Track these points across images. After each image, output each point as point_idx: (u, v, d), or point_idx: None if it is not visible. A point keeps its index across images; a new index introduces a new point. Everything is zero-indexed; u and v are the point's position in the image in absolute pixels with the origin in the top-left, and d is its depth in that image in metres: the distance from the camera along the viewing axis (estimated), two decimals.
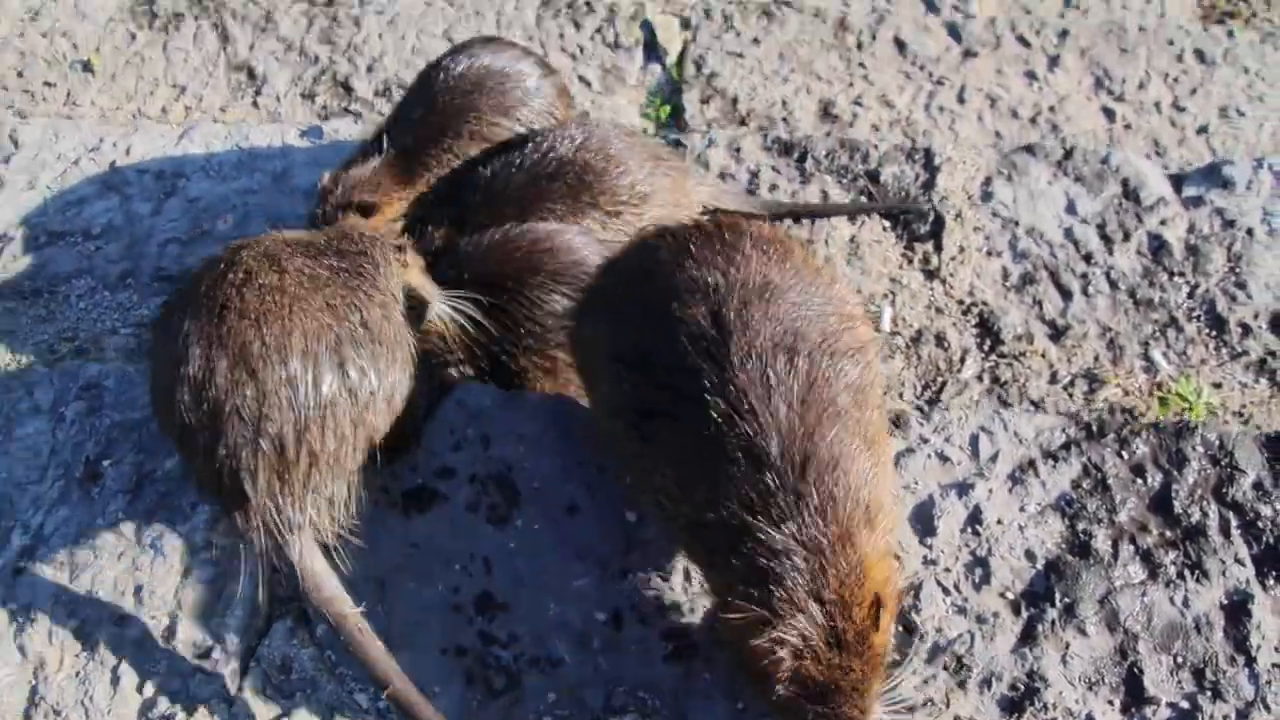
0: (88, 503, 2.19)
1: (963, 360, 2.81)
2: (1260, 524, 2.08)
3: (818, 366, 1.67)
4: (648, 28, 3.89)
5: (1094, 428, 2.19)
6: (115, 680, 2.03)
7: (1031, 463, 2.16)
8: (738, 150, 3.18)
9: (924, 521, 2.14)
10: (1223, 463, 2.16)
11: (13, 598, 2.12)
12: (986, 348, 2.83)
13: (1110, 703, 1.91)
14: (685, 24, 3.90)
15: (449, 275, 2.35)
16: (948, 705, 1.93)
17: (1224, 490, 2.12)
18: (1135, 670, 1.94)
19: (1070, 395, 2.74)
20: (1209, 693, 1.91)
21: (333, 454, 1.99)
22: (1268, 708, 1.88)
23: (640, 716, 1.94)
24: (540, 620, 2.03)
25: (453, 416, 2.23)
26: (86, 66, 3.90)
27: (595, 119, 2.91)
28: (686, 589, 2.06)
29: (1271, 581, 2.02)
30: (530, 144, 2.68)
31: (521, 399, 2.25)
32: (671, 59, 3.82)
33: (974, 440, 2.22)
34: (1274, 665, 1.93)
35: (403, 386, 2.08)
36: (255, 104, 3.78)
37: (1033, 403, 2.72)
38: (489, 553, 2.09)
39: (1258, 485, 2.12)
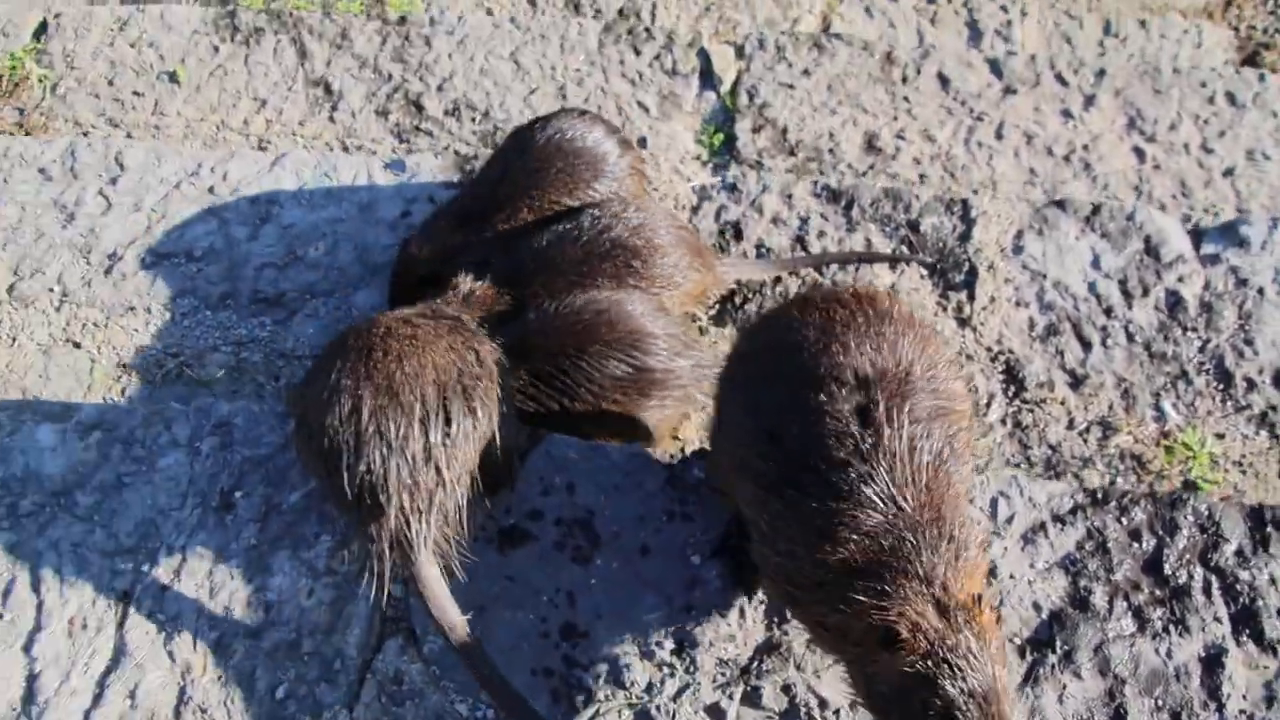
0: (222, 529, 2.61)
1: (989, 405, 3.18)
2: (1239, 587, 2.47)
3: (943, 466, 2.04)
4: (704, 56, 4.20)
5: (1099, 495, 2.58)
6: (252, 685, 2.46)
7: (1042, 525, 2.55)
8: (789, 197, 3.52)
9: None
10: (1210, 531, 2.54)
11: (161, 610, 2.55)
12: (1011, 393, 3.20)
13: None
14: (740, 53, 4.21)
15: (514, 343, 2.73)
16: None
17: (1209, 556, 2.51)
18: (1121, 711, 2.35)
19: (1085, 441, 3.13)
20: None
21: (456, 476, 2.41)
22: None
23: None
24: (616, 647, 2.44)
25: (542, 465, 2.63)
26: (173, 77, 4.24)
27: (650, 204, 3.22)
28: (740, 624, 2.47)
29: (1244, 638, 2.41)
30: (589, 218, 3.00)
31: (602, 452, 2.65)
32: (726, 87, 4.14)
33: (994, 503, 2.61)
34: (1241, 711, 2.33)
35: (507, 423, 2.49)
36: (332, 119, 4.12)
37: (1050, 447, 3.10)
38: (572, 587, 2.51)
39: (1239, 552, 2.51)
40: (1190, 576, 2.49)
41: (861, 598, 1.94)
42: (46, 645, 2.52)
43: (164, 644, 2.51)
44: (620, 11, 4.76)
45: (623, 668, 2.41)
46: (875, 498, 1.98)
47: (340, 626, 2.50)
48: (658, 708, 2.37)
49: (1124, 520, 2.55)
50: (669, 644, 2.44)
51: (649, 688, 2.39)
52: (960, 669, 1.88)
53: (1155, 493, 2.61)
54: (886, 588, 1.93)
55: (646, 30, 4.25)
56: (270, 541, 2.59)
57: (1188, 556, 2.51)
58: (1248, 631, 2.42)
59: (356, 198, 3.59)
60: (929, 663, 1.88)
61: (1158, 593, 2.47)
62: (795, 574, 2.08)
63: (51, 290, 3.52)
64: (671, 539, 2.54)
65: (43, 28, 4.43)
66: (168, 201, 3.64)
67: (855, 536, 1.97)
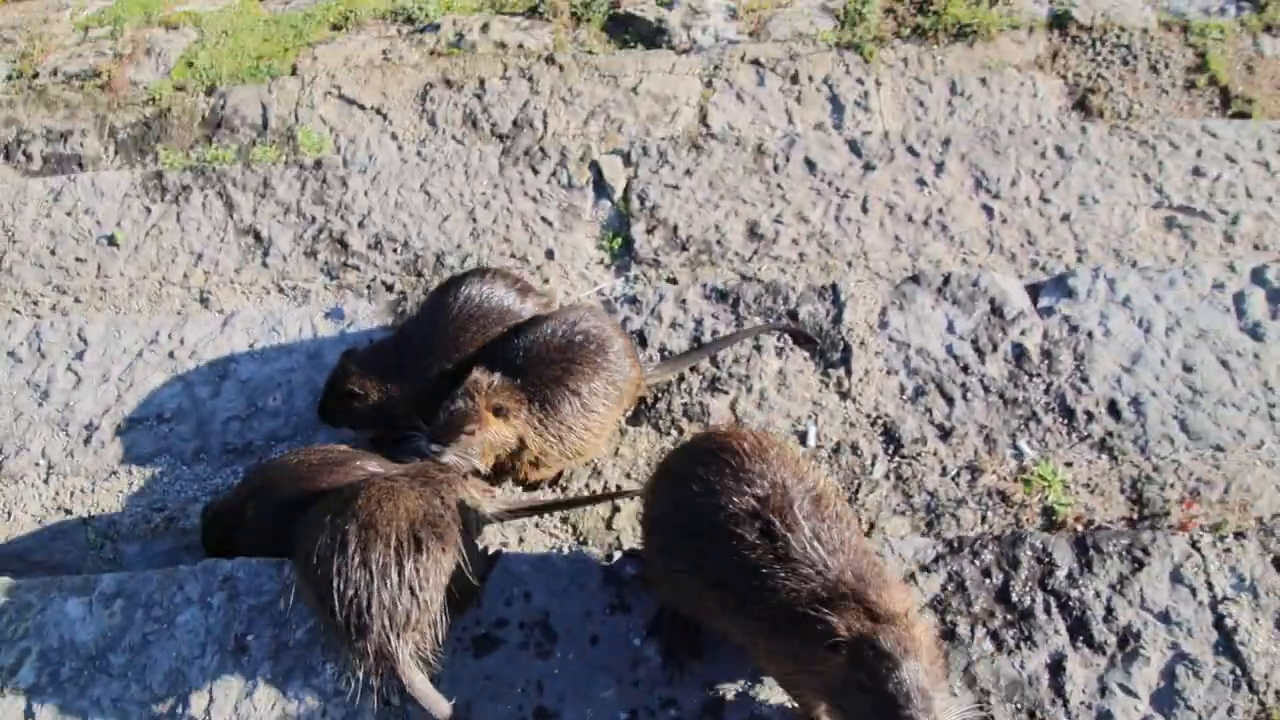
0: (240, 668, 3.30)
1: (873, 463, 3.96)
2: (1071, 603, 3.27)
3: (838, 529, 2.80)
4: (595, 167, 4.95)
5: (955, 544, 3.37)
6: None
7: (913, 574, 3.33)
8: (684, 302, 4.28)
9: None
10: (1045, 561, 3.34)
11: None
12: (891, 451, 3.98)
13: None
14: (626, 160, 4.97)
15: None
16: None
17: (1046, 581, 3.31)
18: (990, 717, 3.14)
19: (957, 484, 3.92)
20: None
21: (429, 597, 3.13)
22: None
23: None
24: None
25: (501, 580, 3.36)
26: (111, 241, 4.90)
27: (594, 307, 3.98)
28: (678, 694, 3.21)
29: (1079, 643, 3.21)
30: (557, 321, 3.75)
31: (550, 561, 3.39)
32: (619, 194, 4.90)
33: None
34: (1081, 702, 3.13)
35: (471, 551, 3.22)
36: (265, 264, 4.81)
37: (929, 493, 3.89)
38: (539, 677, 3.23)
39: (1069, 575, 3.31)
40: (1033, 600, 3.29)
41: (816, 626, 2.67)
42: None
43: None
44: (514, 122, 5.49)
45: None
46: (804, 572, 2.74)
47: None
48: None
49: (976, 562, 3.35)
50: (624, 714, 3.17)
51: None
52: (888, 655, 2.58)
53: (1000, 535, 3.41)
54: (830, 616, 2.67)
55: (542, 150, 4.99)
56: (284, 673, 3.28)
57: (1030, 584, 3.31)
58: (1081, 638, 3.22)
59: (304, 348, 4.28)
60: (865, 652, 2.61)
61: (1008, 617, 3.26)
62: (758, 638, 2.85)
63: (38, 464, 4.15)
64: (615, 628, 3.28)
65: None
66: (132, 370, 4.29)
67: (795, 593, 2.72)
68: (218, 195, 5.00)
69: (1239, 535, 3.35)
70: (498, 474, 3.76)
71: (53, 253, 4.91)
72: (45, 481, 4.11)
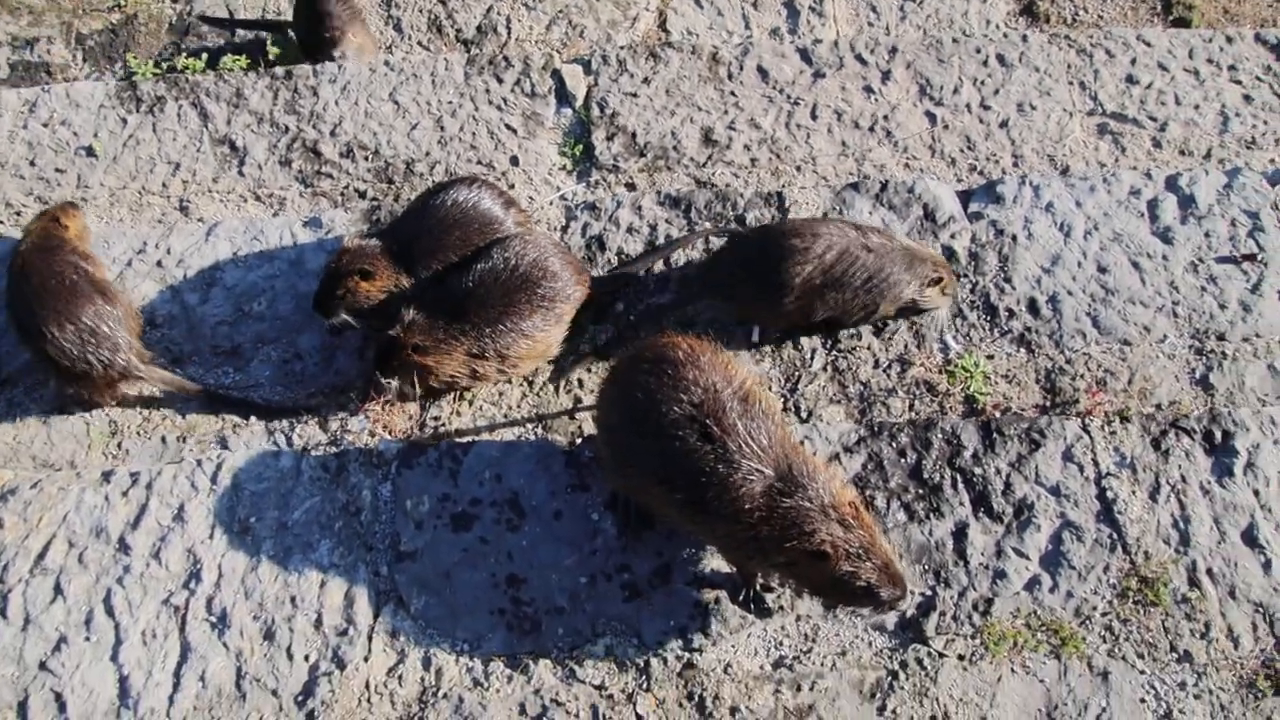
0: (246, 547, 4.06)
1: (812, 357, 4.71)
2: (974, 480, 4.06)
3: (768, 428, 3.49)
4: (557, 76, 5.58)
5: (875, 428, 4.14)
6: (290, 656, 3.93)
7: (837, 455, 4.10)
8: (639, 208, 4.97)
9: None
10: (953, 443, 4.12)
11: (211, 614, 3.99)
12: (828, 346, 4.72)
13: None
14: (587, 69, 5.60)
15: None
16: (793, 607, 3.92)
17: (954, 460, 4.09)
18: None
19: (888, 375, 4.67)
20: (942, 584, 3.91)
21: None
22: (975, 589, 3.89)
23: (613, 636, 3.89)
24: (547, 586, 3.96)
25: (475, 464, 4.11)
26: (90, 151, 5.51)
27: (539, 237, 4.63)
28: (632, 561, 4.00)
29: (980, 514, 4.01)
30: (500, 259, 4.40)
31: (517, 447, 4.14)
32: (580, 102, 5.54)
33: (801, 443, 4.14)
34: (980, 564, 3.93)
35: None
36: (241, 173, 5.45)
37: (862, 384, 4.64)
38: (510, 549, 4.01)
39: (974, 455, 4.09)
40: (942, 476, 4.07)
41: (791, 542, 3.41)
42: (128, 654, 3.95)
43: (218, 638, 3.95)
44: (479, 28, 6.08)
45: (554, 599, 3.93)
46: (747, 468, 3.47)
47: (347, 604, 3.97)
48: (580, 619, 3.90)
49: (894, 443, 4.12)
50: (584, 579, 3.96)
51: (575, 610, 3.91)
52: (865, 553, 3.41)
53: (915, 420, 4.18)
54: (803, 524, 3.42)
55: (505, 59, 5.60)
56: (285, 551, 4.04)
57: (940, 462, 4.09)
58: (982, 509, 4.01)
59: (285, 255, 4.96)
60: (849, 561, 3.41)
61: (920, 491, 4.05)
62: (715, 527, 3.58)
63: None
64: (576, 504, 4.05)
65: None
66: (124, 278, 4.96)
67: (754, 500, 3.45)
68: (192, 105, 5.60)
69: (1124, 419, 4.12)
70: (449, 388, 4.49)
71: (32, 164, 5.51)
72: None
